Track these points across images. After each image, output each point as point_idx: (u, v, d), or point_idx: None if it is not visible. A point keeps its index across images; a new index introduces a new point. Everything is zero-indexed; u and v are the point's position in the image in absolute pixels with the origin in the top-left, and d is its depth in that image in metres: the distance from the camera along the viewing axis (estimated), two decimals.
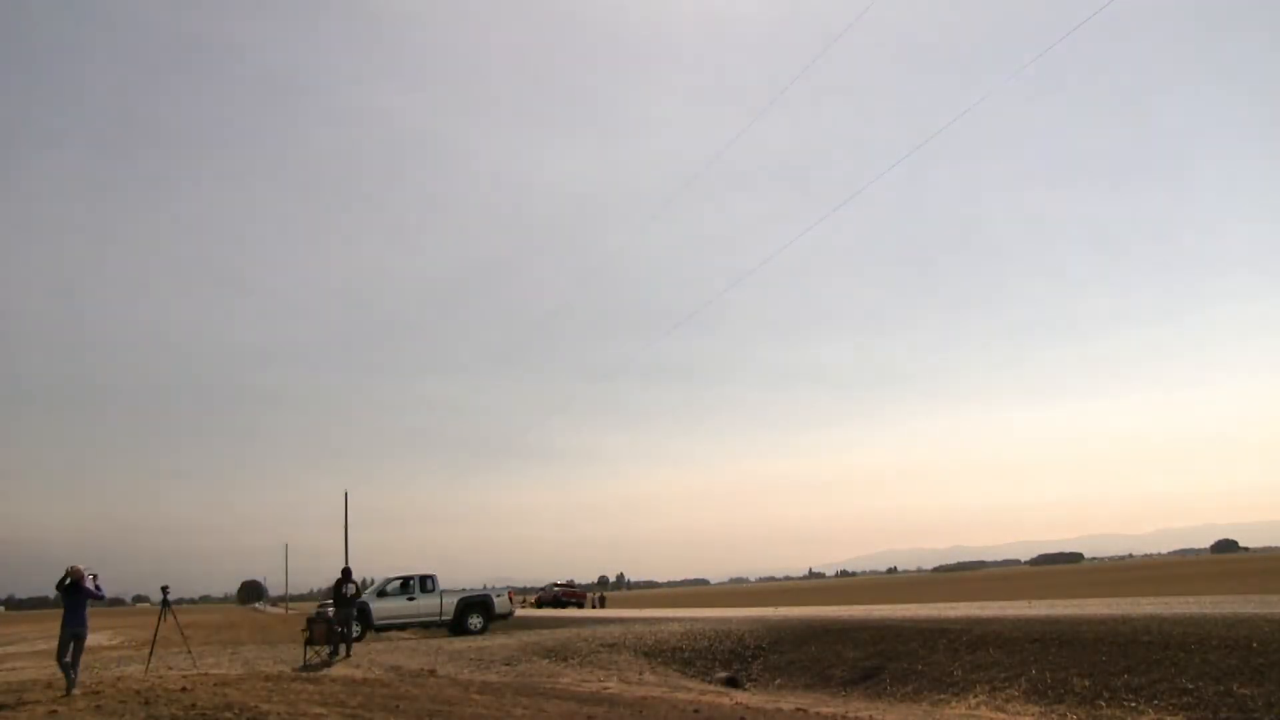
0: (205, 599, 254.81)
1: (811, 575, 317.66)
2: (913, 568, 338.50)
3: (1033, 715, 11.32)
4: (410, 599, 25.62)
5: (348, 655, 18.32)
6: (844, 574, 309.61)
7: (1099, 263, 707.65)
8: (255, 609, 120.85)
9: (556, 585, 61.82)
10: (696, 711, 11.25)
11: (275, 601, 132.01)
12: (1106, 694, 11.23)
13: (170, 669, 15.98)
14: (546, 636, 20.60)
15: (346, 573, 20.03)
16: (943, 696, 12.98)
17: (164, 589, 18.96)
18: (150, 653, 17.91)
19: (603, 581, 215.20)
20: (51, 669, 16.64)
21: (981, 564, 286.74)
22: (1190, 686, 10.63)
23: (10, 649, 28.86)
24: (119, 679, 14.00)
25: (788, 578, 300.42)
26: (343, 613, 19.18)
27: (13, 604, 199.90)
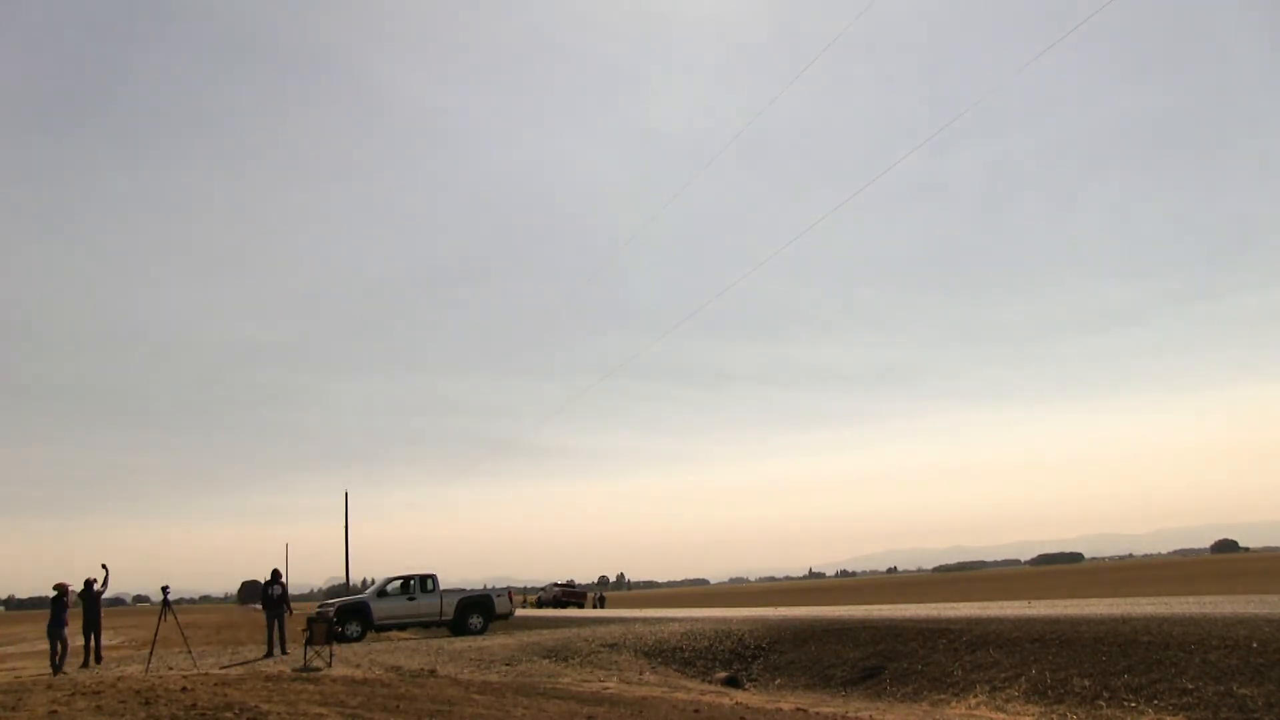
0: (205, 599, 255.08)
1: (811, 575, 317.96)
2: (913, 568, 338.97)
3: (1033, 715, 11.32)
4: (410, 599, 25.63)
5: (284, 653, 19.09)
6: (844, 574, 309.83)
7: (1118, 251, 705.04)
8: (255, 609, 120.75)
9: (556, 585, 61.85)
10: (696, 711, 11.25)
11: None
12: (1106, 694, 11.23)
13: (170, 669, 15.99)
14: (546, 636, 20.60)
15: (275, 574, 20.64)
16: (943, 696, 12.98)
17: (164, 589, 19.02)
18: (150, 653, 17.93)
19: (603, 581, 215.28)
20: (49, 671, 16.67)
21: (981, 564, 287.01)
22: (1190, 686, 10.62)
23: (10, 649, 28.86)
24: (119, 679, 13.99)
25: (788, 578, 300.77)
26: (269, 614, 19.76)
27: (13, 604, 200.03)
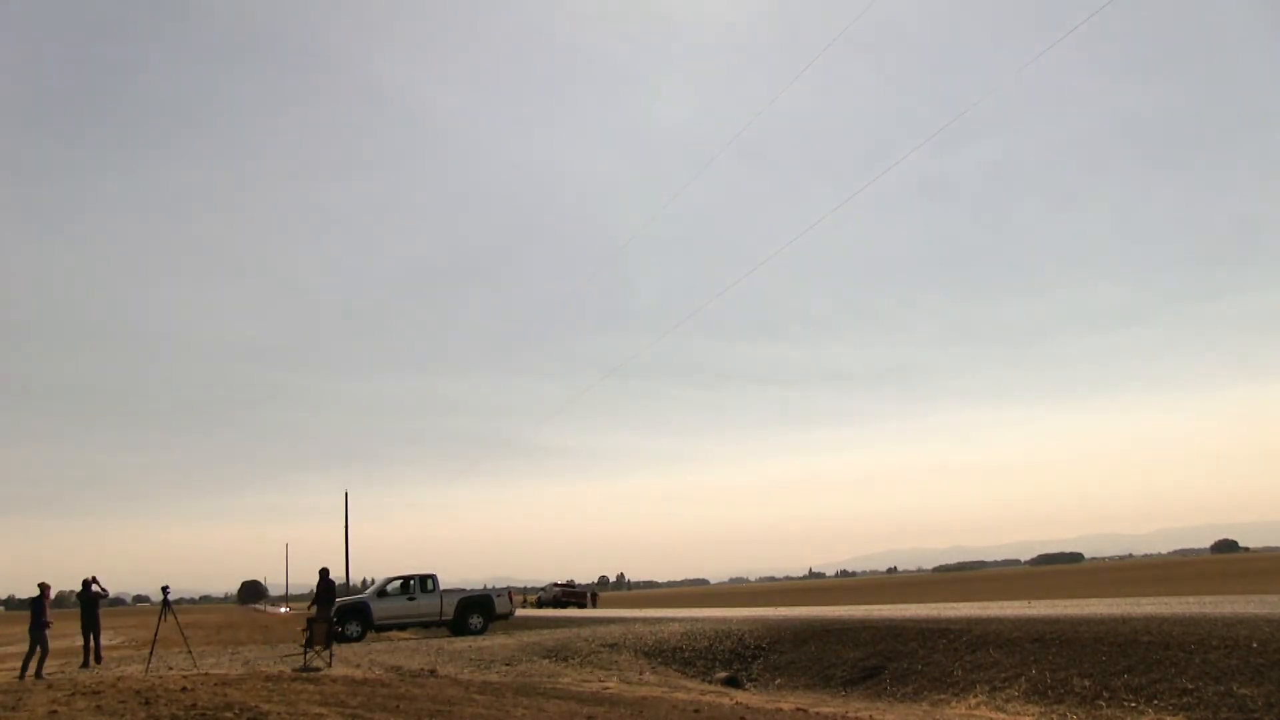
0: (205, 599, 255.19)
1: (811, 575, 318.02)
2: (913, 568, 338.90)
3: (1033, 715, 11.32)
4: (410, 599, 25.65)
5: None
6: (844, 574, 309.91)
7: (1119, 250, 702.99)
8: (255, 609, 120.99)
9: (556, 585, 61.84)
10: (697, 711, 11.25)
11: (275, 601, 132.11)
12: (1106, 694, 11.23)
13: (170, 669, 16.00)
14: (546, 636, 20.61)
15: (323, 571, 21.14)
16: (943, 696, 12.98)
17: (164, 589, 19.01)
18: (150, 653, 17.94)
19: (603, 581, 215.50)
20: (51, 669, 16.67)
21: (981, 564, 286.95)
22: (1190, 686, 10.63)
23: (10, 649, 28.84)
24: (119, 679, 14.00)
25: (788, 578, 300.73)
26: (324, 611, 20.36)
27: (13, 604, 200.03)
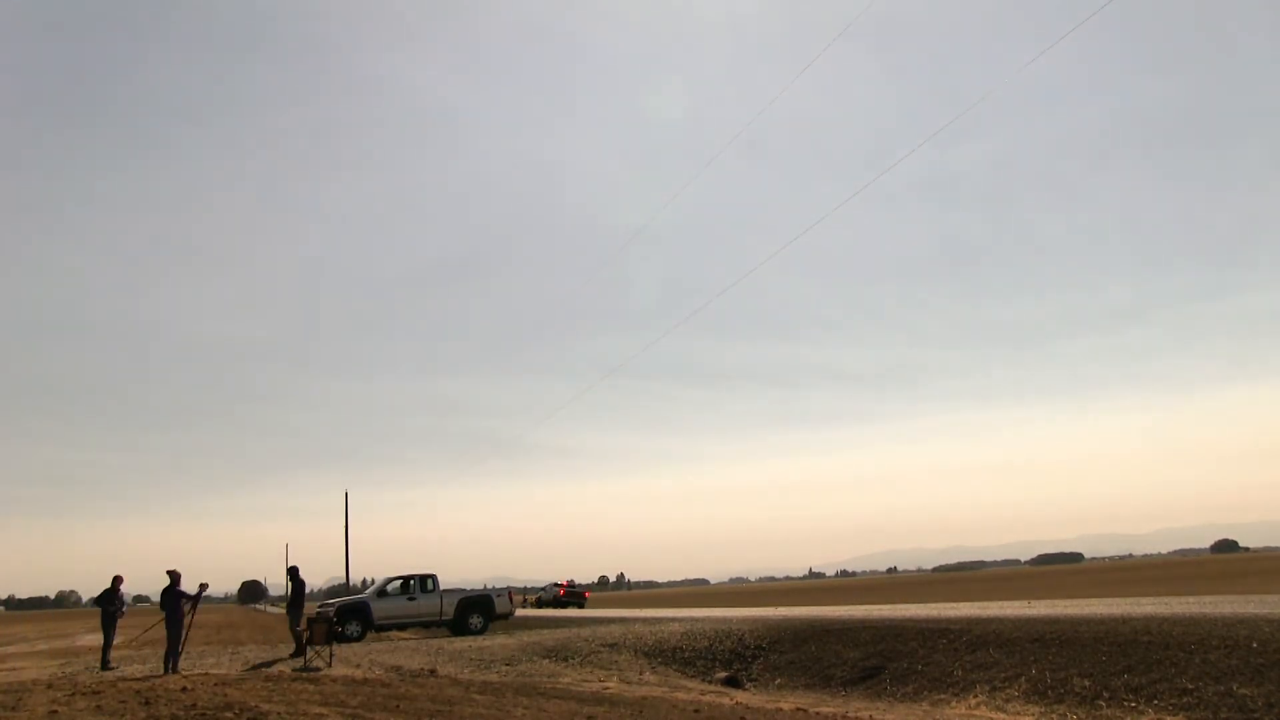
0: (205, 599, 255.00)
1: (811, 575, 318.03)
2: (913, 568, 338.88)
3: (1033, 715, 11.32)
4: (410, 599, 25.64)
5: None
6: (844, 574, 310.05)
7: (1122, 249, 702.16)
8: (255, 609, 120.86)
9: (557, 585, 61.86)
10: (697, 711, 11.25)
11: (275, 601, 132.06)
12: (1106, 694, 11.24)
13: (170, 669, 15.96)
14: (546, 636, 20.61)
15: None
16: (943, 696, 12.98)
17: (164, 589, 18.96)
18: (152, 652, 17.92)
19: (603, 581, 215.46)
20: (51, 669, 16.67)
21: (981, 564, 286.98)
22: (1190, 686, 10.63)
23: (10, 649, 28.84)
24: (119, 679, 14.00)
25: (788, 578, 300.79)
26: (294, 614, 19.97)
27: (13, 604, 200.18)
